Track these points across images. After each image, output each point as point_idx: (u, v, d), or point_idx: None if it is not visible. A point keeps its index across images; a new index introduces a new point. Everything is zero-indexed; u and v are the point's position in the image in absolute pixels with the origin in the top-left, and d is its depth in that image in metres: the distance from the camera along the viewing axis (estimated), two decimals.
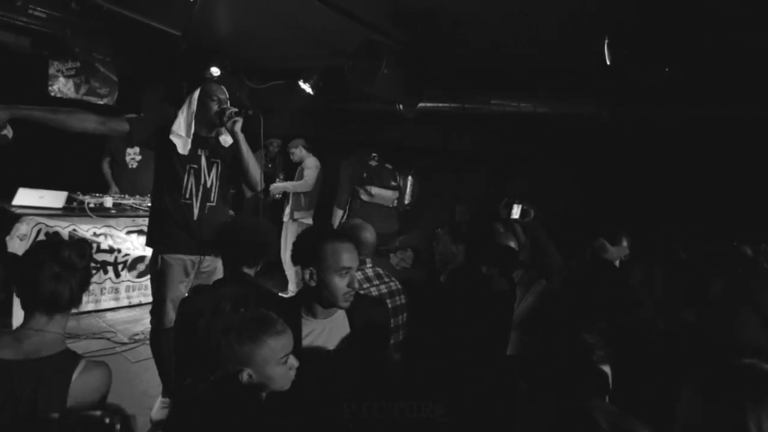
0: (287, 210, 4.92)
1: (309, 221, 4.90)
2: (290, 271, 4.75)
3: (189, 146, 2.43)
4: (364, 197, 4.51)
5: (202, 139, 2.50)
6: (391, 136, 5.27)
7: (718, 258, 2.35)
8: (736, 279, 1.34)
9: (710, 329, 1.40)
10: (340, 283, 1.53)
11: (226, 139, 2.56)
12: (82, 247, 1.37)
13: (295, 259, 1.64)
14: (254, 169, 2.50)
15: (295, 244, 1.66)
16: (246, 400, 1.22)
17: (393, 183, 4.66)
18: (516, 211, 3.58)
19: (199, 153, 2.47)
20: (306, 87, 4.56)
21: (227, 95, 2.54)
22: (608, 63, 2.54)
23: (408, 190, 5.43)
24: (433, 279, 2.90)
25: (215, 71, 4.88)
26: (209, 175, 2.50)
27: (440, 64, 3.87)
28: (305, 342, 1.58)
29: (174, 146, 2.42)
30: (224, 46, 4.53)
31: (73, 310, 1.37)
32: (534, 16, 2.74)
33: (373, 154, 4.65)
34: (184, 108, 2.47)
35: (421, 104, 4.10)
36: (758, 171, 3.36)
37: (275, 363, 1.30)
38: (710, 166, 3.57)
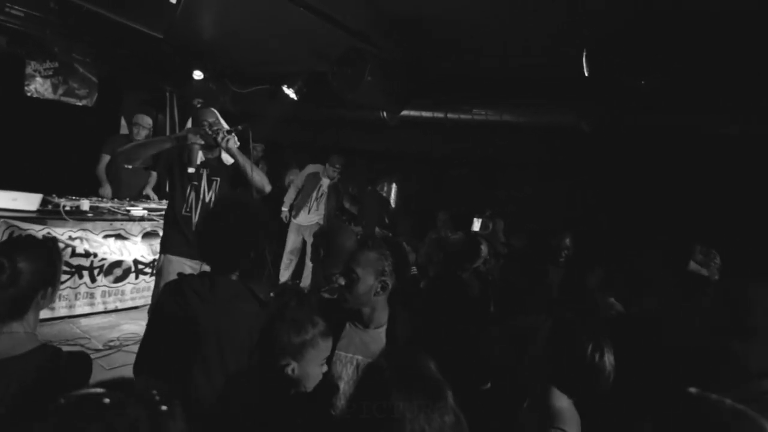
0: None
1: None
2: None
3: (193, 168, 2.80)
4: None
5: (205, 160, 2.82)
6: (375, 143, 5.29)
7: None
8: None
9: None
10: None
11: (227, 158, 2.83)
12: None
13: None
14: (257, 175, 2.78)
15: None
16: (292, 393, 1.31)
17: None
18: (476, 224, 3.76)
19: (201, 172, 2.80)
20: (290, 92, 4.56)
21: (218, 115, 2.80)
22: (586, 74, 2.60)
23: (392, 196, 5.46)
24: (413, 285, 2.91)
25: (198, 75, 4.84)
26: (209, 192, 2.83)
27: (424, 72, 3.91)
28: None
29: (181, 165, 2.75)
30: (208, 50, 4.51)
31: (47, 315, 1.32)
32: (518, 28, 2.80)
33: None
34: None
35: (404, 112, 4.13)
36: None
37: (316, 364, 1.36)
38: (685, 175, 3.67)
